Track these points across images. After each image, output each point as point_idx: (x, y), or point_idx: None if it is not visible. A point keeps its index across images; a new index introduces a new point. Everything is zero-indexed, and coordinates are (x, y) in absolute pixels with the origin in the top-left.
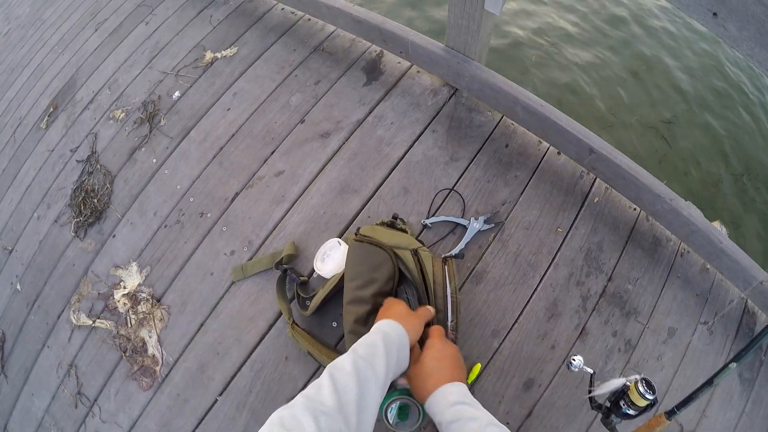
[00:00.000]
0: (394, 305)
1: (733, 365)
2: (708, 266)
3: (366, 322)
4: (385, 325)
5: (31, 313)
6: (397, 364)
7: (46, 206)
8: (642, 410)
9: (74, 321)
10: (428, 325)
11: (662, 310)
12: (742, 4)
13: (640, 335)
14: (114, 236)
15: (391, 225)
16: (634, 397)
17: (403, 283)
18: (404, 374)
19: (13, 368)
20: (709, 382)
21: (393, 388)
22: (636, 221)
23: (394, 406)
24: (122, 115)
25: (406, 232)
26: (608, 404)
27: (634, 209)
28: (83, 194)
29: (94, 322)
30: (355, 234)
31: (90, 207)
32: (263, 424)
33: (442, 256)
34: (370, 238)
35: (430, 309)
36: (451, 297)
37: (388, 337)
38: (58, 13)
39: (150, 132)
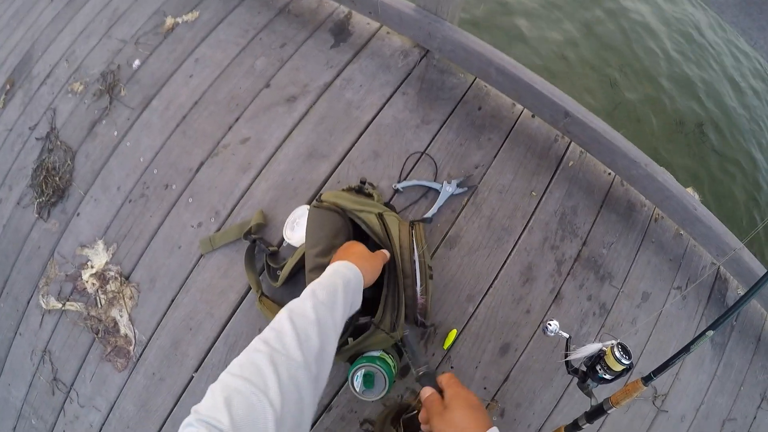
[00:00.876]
0: (353, 245)
1: (710, 333)
2: (682, 232)
3: None
4: (344, 267)
5: (0, 301)
6: (350, 309)
7: (7, 188)
8: (618, 375)
9: (44, 305)
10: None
11: (636, 275)
12: None
13: (615, 299)
14: (78, 215)
15: (359, 190)
16: (610, 362)
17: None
18: None
19: None
20: (686, 349)
21: (359, 354)
22: (611, 186)
23: (360, 374)
24: (81, 87)
25: (372, 197)
26: (584, 369)
27: (609, 174)
28: (44, 173)
29: (63, 305)
30: (316, 200)
31: (52, 186)
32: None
33: (409, 220)
34: (330, 203)
35: (386, 252)
36: (419, 261)
37: (347, 282)
38: None
39: (110, 104)
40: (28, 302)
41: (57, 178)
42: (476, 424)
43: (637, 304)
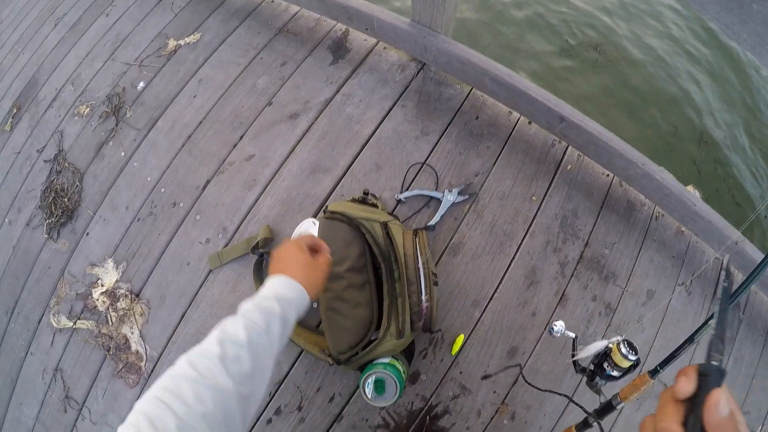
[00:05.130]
0: (292, 254)
1: (713, 321)
2: (683, 229)
3: (343, 298)
4: (285, 286)
5: (11, 321)
6: (291, 327)
7: (16, 210)
8: (625, 371)
9: (55, 324)
10: None
11: (640, 273)
12: None
13: (620, 298)
14: (87, 234)
15: (363, 201)
16: (617, 358)
17: (379, 260)
18: None
19: None
20: (690, 339)
21: (369, 363)
22: (610, 187)
23: (371, 381)
24: (87, 110)
25: (377, 207)
26: (592, 367)
27: (607, 175)
28: (53, 194)
29: (74, 323)
30: (324, 211)
31: (61, 207)
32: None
33: (413, 229)
34: (340, 214)
35: (328, 256)
36: (423, 268)
37: (287, 303)
38: (16, 12)
39: (116, 125)
40: (39, 321)
41: (66, 199)
42: None
43: (643, 302)
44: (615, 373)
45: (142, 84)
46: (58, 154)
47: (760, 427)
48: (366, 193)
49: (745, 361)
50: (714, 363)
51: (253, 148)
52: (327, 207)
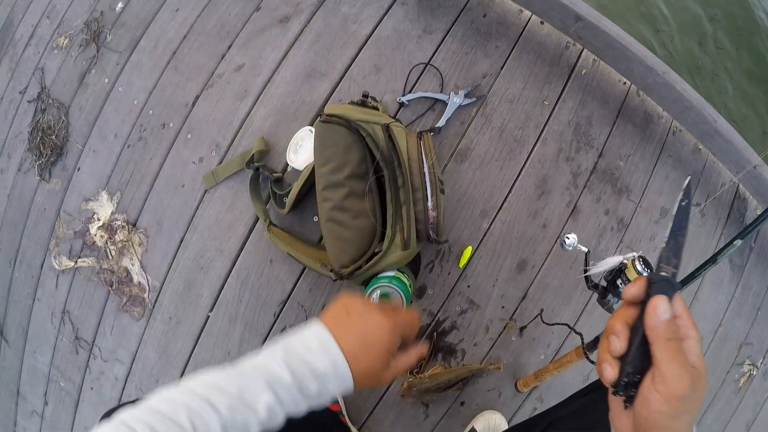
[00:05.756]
0: (379, 334)
1: (738, 242)
2: (700, 146)
3: (343, 207)
4: (336, 381)
5: (15, 271)
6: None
7: (6, 157)
8: None
9: (57, 266)
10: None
11: (654, 189)
12: None
13: (633, 214)
14: (79, 169)
15: (362, 104)
16: (632, 275)
17: (381, 166)
18: None
19: (11, 331)
20: (712, 260)
21: (374, 275)
22: (626, 95)
23: (375, 296)
24: (66, 41)
25: (377, 109)
26: (604, 284)
27: (624, 83)
28: (40, 134)
29: (76, 262)
30: (320, 115)
31: (49, 145)
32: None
33: (417, 131)
34: (337, 116)
35: (416, 316)
36: (429, 173)
37: (323, 399)
38: None
39: (97, 52)
40: (42, 266)
41: (53, 137)
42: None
43: (656, 220)
44: None
45: (120, 4)
46: (42, 91)
47: (761, 359)
48: (366, 96)
49: (752, 291)
50: (663, 274)
51: (243, 57)
52: (323, 111)
